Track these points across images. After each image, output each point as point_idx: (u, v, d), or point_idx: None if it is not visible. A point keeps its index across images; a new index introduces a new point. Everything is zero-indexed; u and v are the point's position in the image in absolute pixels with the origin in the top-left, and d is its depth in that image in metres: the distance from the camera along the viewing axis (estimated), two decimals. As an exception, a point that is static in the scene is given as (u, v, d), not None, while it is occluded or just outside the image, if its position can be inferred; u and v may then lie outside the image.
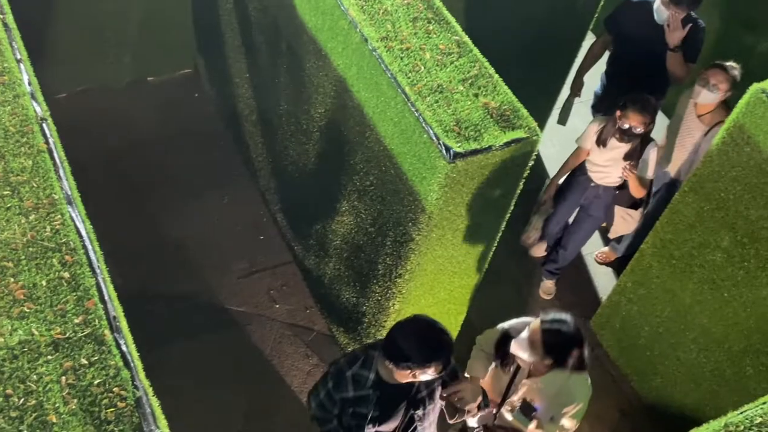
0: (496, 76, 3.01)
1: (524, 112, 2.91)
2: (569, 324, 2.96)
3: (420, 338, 2.63)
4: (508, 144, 2.81)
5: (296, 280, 4.51)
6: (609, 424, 4.27)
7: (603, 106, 4.76)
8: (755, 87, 3.22)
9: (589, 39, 4.82)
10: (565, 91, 4.93)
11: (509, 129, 2.84)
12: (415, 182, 2.98)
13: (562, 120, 4.88)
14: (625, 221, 4.26)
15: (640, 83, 4.31)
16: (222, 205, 4.74)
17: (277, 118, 4.17)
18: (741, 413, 2.38)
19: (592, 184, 4.21)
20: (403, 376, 2.68)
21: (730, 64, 3.94)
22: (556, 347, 2.95)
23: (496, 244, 3.45)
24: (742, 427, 2.32)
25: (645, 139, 3.91)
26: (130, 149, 4.79)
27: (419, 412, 2.89)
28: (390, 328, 2.71)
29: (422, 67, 2.96)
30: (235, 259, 4.55)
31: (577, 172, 4.28)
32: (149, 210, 4.57)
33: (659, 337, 4.08)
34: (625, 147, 3.92)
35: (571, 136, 4.35)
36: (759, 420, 2.34)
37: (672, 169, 4.31)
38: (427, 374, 2.66)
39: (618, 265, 4.76)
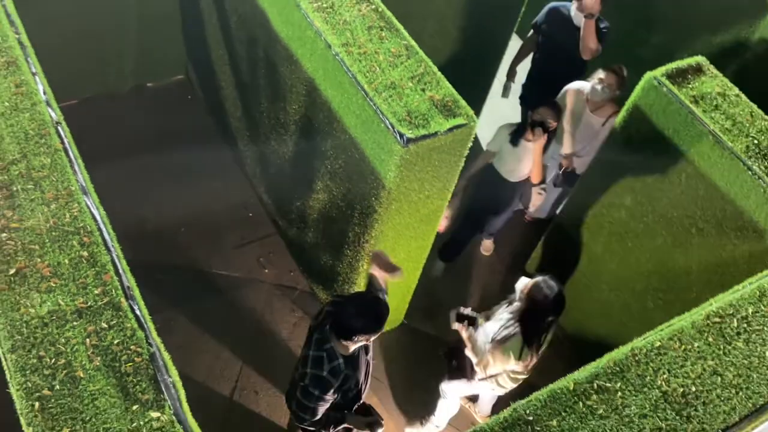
0: (439, 73, 2.99)
1: (463, 102, 2.91)
2: (553, 291, 3.06)
3: (365, 314, 2.60)
4: (451, 129, 2.81)
5: (281, 249, 4.50)
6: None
7: (528, 98, 4.76)
8: (648, 75, 3.27)
9: (514, 40, 4.82)
10: (495, 86, 4.93)
11: (451, 117, 2.84)
12: (376, 164, 2.98)
13: (505, 95, 4.83)
14: (540, 195, 4.20)
15: (558, 78, 4.32)
16: (215, 190, 4.69)
17: (258, 114, 4.12)
18: (644, 339, 2.45)
19: (503, 181, 4.05)
20: (360, 343, 2.67)
21: (619, 66, 3.93)
22: (530, 296, 3.09)
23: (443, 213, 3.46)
24: (645, 351, 2.38)
25: (549, 140, 3.83)
26: (135, 145, 4.70)
27: (370, 353, 2.94)
28: (333, 320, 2.66)
29: (377, 68, 2.94)
30: (228, 234, 4.52)
31: (486, 172, 4.08)
32: (154, 196, 4.52)
33: (577, 280, 4.15)
34: (533, 145, 3.80)
35: (502, 122, 4.33)
36: (658, 344, 2.41)
37: (566, 150, 4.23)
38: (378, 333, 2.66)
39: (544, 223, 4.80)
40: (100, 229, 2.27)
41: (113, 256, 2.22)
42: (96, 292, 2.13)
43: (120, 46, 4.72)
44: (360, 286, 3.62)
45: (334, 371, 2.68)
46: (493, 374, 3.33)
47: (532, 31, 4.54)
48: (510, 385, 3.43)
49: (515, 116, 4.83)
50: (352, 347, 2.68)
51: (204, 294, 4.22)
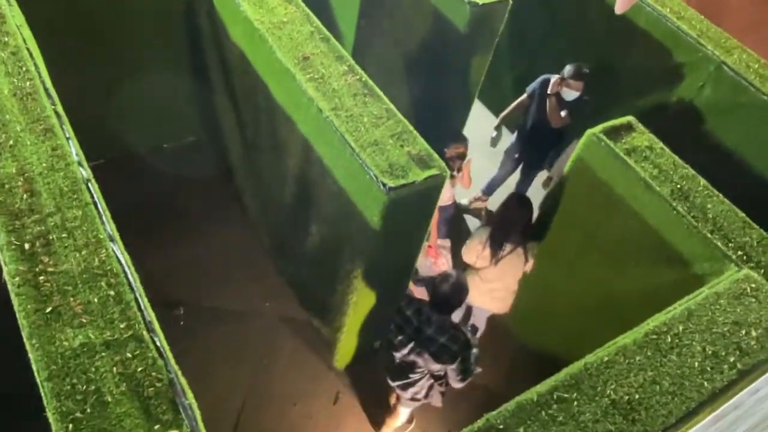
0: (414, 131, 3.04)
1: (436, 156, 2.94)
2: (522, 202, 3.61)
3: (454, 291, 2.98)
4: (426, 179, 2.85)
5: (282, 285, 4.46)
6: (504, 365, 4.32)
7: (513, 150, 4.90)
8: (588, 132, 3.34)
9: (477, 105, 4.91)
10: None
11: (426, 168, 2.88)
12: (364, 209, 3.00)
13: (493, 145, 4.88)
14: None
15: (544, 137, 4.49)
16: (223, 234, 4.67)
17: (261, 170, 4.13)
18: (594, 355, 2.47)
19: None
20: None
21: None
22: (504, 204, 3.67)
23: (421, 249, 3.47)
24: (595, 365, 2.40)
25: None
26: (154, 198, 4.69)
27: None
28: (435, 308, 3.01)
29: (362, 128, 2.98)
30: (235, 273, 4.48)
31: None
32: (171, 242, 4.49)
33: (537, 306, 4.15)
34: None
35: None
36: (606, 359, 2.43)
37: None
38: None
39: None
40: (124, 272, 2.26)
41: (136, 295, 2.21)
42: (121, 326, 2.11)
43: (141, 113, 4.74)
44: (350, 315, 3.60)
45: (465, 332, 3.07)
46: (467, 262, 3.67)
47: (525, 95, 4.66)
48: (480, 297, 3.74)
49: (482, 169, 4.90)
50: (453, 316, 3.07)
51: (214, 326, 4.16)
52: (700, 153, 3.99)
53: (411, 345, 3.06)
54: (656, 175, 3.16)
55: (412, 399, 3.35)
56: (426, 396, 3.31)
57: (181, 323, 4.11)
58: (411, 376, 3.21)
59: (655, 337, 2.52)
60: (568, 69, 4.31)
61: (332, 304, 3.77)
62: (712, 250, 2.93)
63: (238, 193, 4.78)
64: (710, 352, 2.48)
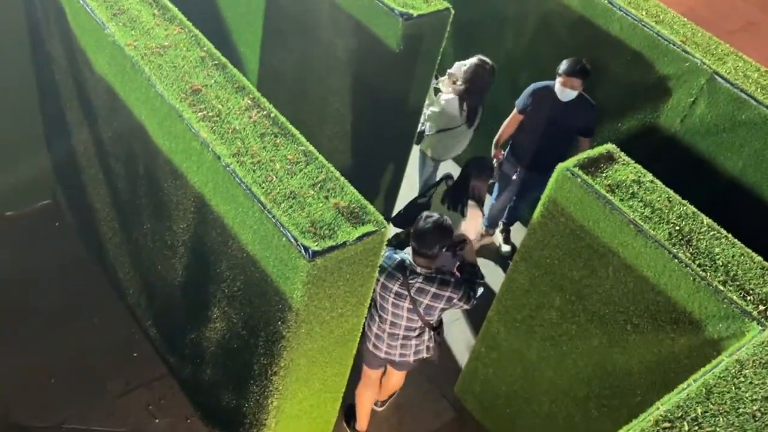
0: (342, 178, 3.04)
1: (371, 208, 2.94)
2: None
3: (439, 229, 3.52)
4: (360, 238, 2.82)
5: (174, 392, 4.29)
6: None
7: (510, 171, 5.31)
8: (560, 166, 3.42)
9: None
10: (404, 188, 5.14)
11: (360, 224, 2.86)
12: (280, 282, 2.93)
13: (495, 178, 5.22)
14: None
15: (549, 150, 4.77)
16: (92, 328, 4.49)
17: (141, 237, 4.02)
18: (595, 455, 2.44)
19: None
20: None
21: None
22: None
23: (361, 330, 3.43)
24: (598, 468, 2.37)
25: None
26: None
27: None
28: (417, 242, 3.51)
29: (274, 177, 2.96)
30: (109, 380, 4.28)
31: None
32: (18, 343, 4.26)
33: (515, 394, 4.14)
34: None
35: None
36: (611, 458, 2.40)
37: None
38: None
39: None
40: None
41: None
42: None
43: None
44: (270, 427, 3.47)
45: (454, 274, 3.76)
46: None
47: (515, 111, 5.01)
48: None
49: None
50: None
51: (81, 457, 3.93)
52: (699, 184, 4.19)
53: (404, 304, 3.58)
54: (648, 215, 3.24)
55: (416, 358, 3.92)
56: (427, 350, 3.91)
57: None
58: (408, 337, 3.76)
59: (668, 425, 2.51)
60: (563, 63, 4.67)
61: (246, 413, 3.64)
62: (727, 305, 2.99)
63: (110, 270, 4.63)
64: (738, 439, 2.50)
